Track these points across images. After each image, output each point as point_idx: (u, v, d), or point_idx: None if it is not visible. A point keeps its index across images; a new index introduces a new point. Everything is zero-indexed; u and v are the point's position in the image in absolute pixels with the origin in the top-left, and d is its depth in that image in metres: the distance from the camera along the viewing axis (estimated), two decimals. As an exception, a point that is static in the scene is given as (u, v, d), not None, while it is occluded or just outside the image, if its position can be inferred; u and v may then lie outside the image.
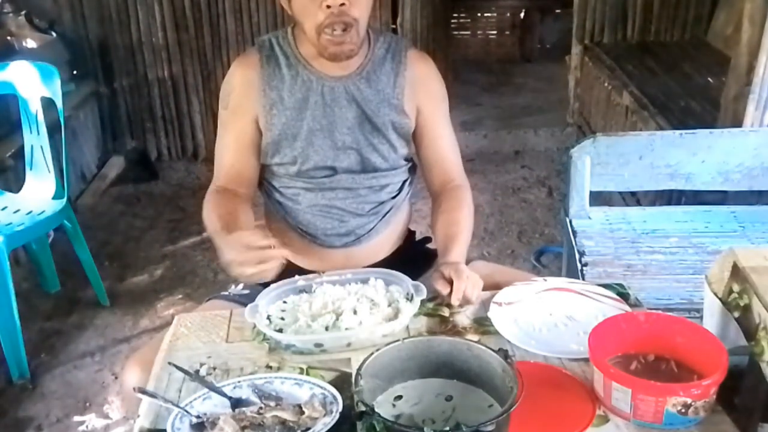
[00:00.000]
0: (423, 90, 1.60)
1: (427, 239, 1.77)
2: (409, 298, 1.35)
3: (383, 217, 1.64)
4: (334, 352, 1.26)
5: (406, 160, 1.67)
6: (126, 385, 1.42)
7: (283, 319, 1.33)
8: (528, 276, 1.63)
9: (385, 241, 1.67)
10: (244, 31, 4.10)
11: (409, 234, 1.77)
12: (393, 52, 1.58)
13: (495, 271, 1.61)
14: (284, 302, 1.37)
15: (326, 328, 1.29)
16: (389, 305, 1.34)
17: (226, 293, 1.61)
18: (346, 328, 1.28)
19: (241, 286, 1.61)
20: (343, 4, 1.43)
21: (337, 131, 1.55)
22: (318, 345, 1.26)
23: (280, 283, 1.41)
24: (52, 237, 3.02)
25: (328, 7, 1.42)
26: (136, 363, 1.41)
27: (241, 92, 1.54)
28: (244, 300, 1.51)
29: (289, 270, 1.49)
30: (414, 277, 1.63)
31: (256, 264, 1.29)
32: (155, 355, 1.34)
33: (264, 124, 1.55)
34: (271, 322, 1.32)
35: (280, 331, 1.29)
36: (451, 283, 1.36)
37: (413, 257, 1.70)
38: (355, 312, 1.30)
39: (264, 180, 1.66)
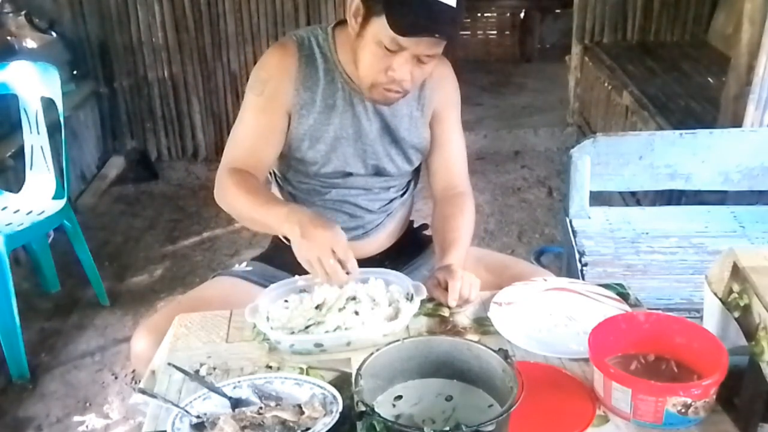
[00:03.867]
0: (439, 93, 1.60)
1: (424, 226, 1.81)
2: (409, 298, 1.35)
3: (390, 213, 1.68)
4: (334, 352, 1.26)
5: None
6: (134, 351, 1.46)
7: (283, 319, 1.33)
8: (514, 259, 1.76)
9: (389, 234, 1.71)
10: (244, 31, 4.10)
11: (409, 224, 1.80)
12: None
13: (482, 255, 1.69)
14: (285, 301, 1.37)
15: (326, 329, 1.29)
16: (389, 305, 1.34)
17: (232, 270, 1.67)
18: (346, 328, 1.28)
19: (244, 264, 1.68)
20: (405, 80, 1.43)
21: (361, 141, 1.56)
22: (318, 345, 1.26)
23: (280, 283, 1.41)
24: (52, 237, 3.02)
25: (393, 75, 1.41)
26: (146, 329, 1.46)
27: (278, 82, 1.50)
28: (247, 276, 1.61)
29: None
30: (409, 261, 1.69)
31: (332, 264, 1.29)
32: (165, 322, 1.39)
33: (291, 121, 1.53)
34: (269, 320, 1.32)
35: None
36: (446, 287, 1.37)
37: (410, 244, 1.76)
38: (356, 312, 1.30)
39: (277, 172, 1.66)
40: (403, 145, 1.59)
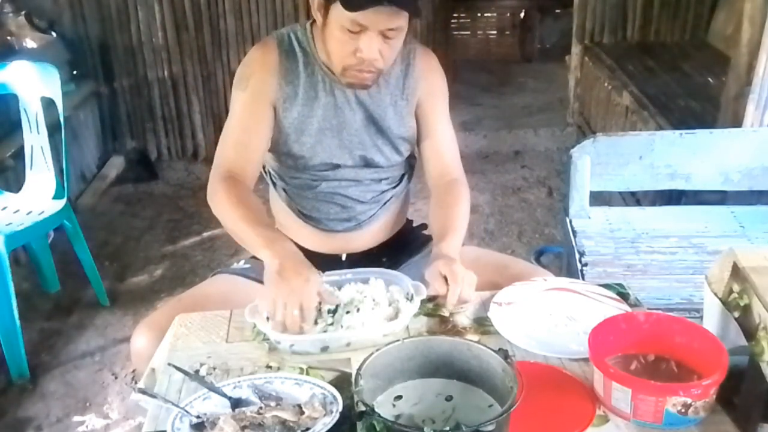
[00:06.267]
0: (424, 83, 1.62)
1: (424, 226, 1.81)
2: (409, 298, 1.35)
3: (384, 204, 1.68)
4: (334, 352, 1.26)
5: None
6: (134, 349, 1.46)
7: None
8: (513, 259, 1.74)
9: (384, 227, 1.71)
10: (244, 31, 4.10)
11: (407, 222, 1.81)
12: (403, 55, 1.60)
13: (481, 255, 1.70)
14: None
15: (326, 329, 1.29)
16: (389, 305, 1.34)
17: (231, 268, 1.68)
18: (347, 327, 1.28)
19: (243, 261, 1.68)
20: (375, 59, 1.44)
21: (345, 131, 1.58)
22: (318, 345, 1.26)
23: None
24: (52, 237, 3.01)
25: (361, 56, 1.43)
26: (146, 327, 1.46)
27: (261, 77, 1.53)
28: (246, 273, 1.61)
29: None
30: (408, 260, 1.69)
31: (295, 315, 1.26)
32: (166, 320, 1.40)
33: (277, 116, 1.56)
34: (269, 320, 1.32)
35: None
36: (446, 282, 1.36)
37: (408, 242, 1.76)
38: (358, 310, 1.30)
39: (269, 168, 1.68)
40: (390, 135, 1.60)
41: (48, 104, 2.64)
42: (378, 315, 1.31)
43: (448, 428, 0.94)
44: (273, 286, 1.28)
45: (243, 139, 1.53)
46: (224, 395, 1.13)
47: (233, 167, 1.51)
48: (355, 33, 1.41)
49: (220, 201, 1.47)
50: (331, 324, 1.30)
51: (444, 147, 1.65)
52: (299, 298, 1.26)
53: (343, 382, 1.16)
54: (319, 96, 1.55)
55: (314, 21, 1.55)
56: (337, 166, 1.60)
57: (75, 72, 3.90)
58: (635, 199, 3.07)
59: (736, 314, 1.12)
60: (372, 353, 1.10)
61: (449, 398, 1.11)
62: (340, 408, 1.06)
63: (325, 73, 1.54)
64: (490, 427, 0.94)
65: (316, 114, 1.55)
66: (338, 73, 1.50)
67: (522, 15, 6.22)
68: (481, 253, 1.72)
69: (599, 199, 2.45)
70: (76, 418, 2.31)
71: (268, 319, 1.32)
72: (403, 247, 1.73)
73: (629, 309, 1.34)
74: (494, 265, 1.62)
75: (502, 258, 1.77)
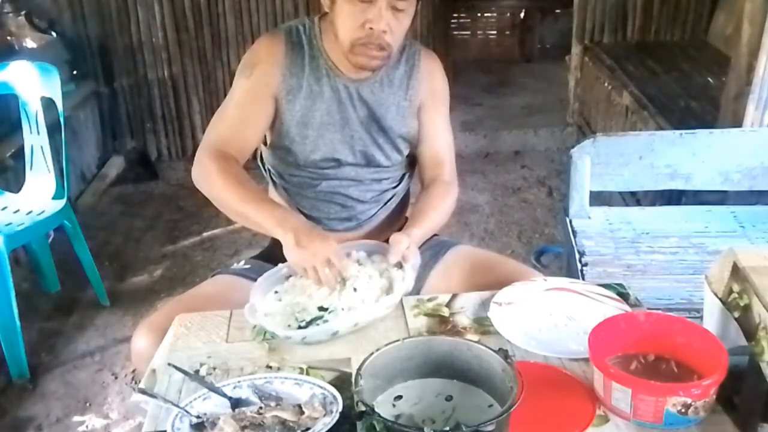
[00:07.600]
0: (427, 85, 1.63)
1: None
2: (398, 266, 1.36)
3: (384, 204, 1.69)
4: (344, 335, 1.27)
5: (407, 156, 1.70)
6: (135, 349, 1.46)
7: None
8: (504, 259, 1.73)
9: (384, 227, 1.71)
10: (244, 31, 4.10)
11: (407, 222, 1.79)
12: (407, 55, 1.62)
13: (471, 253, 1.69)
14: (276, 292, 1.38)
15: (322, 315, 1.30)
16: (381, 276, 1.36)
17: (231, 268, 1.67)
18: (349, 309, 1.29)
19: (243, 261, 1.68)
20: (384, 31, 1.45)
21: (348, 127, 1.59)
22: (329, 332, 1.27)
23: (265, 275, 1.42)
24: (52, 237, 3.01)
25: (371, 28, 1.45)
26: (147, 328, 1.46)
27: (267, 67, 1.54)
28: (247, 274, 1.60)
29: None
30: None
31: (327, 273, 1.31)
32: (165, 321, 1.40)
33: (279, 108, 1.56)
34: (266, 316, 1.32)
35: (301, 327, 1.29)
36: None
37: None
38: (354, 290, 1.32)
39: (269, 167, 1.69)
40: (391, 134, 1.61)
41: (48, 104, 2.64)
42: (374, 289, 1.33)
43: (448, 428, 0.94)
44: (296, 257, 1.34)
45: (239, 122, 1.54)
46: (224, 395, 1.13)
47: (225, 148, 1.51)
48: (366, 3, 1.42)
49: (215, 180, 1.47)
50: (331, 310, 1.30)
51: (441, 152, 1.66)
52: (324, 256, 1.31)
53: (343, 382, 1.16)
54: (323, 90, 1.56)
55: (322, 16, 1.56)
56: (338, 162, 1.61)
57: (75, 72, 3.90)
58: (635, 199, 3.07)
59: (736, 314, 1.12)
60: (372, 353, 1.10)
61: (449, 398, 1.11)
62: (340, 408, 1.06)
63: (330, 67, 1.55)
64: (490, 427, 0.94)
65: (319, 108, 1.56)
66: (347, 53, 1.50)
67: (522, 15, 6.22)
68: (471, 252, 1.70)
69: (599, 199, 2.44)
70: (76, 418, 2.31)
71: (265, 315, 1.32)
72: None
73: (629, 309, 1.34)
74: (483, 265, 1.61)
75: (489, 257, 1.73)
